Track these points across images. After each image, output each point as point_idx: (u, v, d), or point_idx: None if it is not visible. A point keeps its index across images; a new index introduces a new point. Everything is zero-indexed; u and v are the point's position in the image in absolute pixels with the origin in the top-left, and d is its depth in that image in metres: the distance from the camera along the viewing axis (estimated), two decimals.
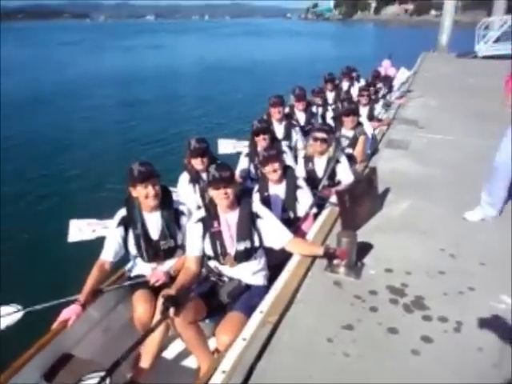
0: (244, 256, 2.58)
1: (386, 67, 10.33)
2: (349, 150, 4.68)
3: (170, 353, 2.76)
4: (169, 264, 2.85)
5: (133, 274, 2.92)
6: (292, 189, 3.36)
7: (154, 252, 2.80)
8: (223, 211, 2.58)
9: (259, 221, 2.59)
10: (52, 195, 7.35)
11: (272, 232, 2.62)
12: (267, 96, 5.20)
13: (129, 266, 2.97)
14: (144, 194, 2.65)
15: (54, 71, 21.06)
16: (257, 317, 2.28)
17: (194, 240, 2.62)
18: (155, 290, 2.72)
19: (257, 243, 2.60)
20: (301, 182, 3.40)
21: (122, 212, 2.77)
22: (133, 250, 2.80)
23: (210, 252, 2.61)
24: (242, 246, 2.56)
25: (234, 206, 2.58)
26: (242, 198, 2.60)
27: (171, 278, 2.74)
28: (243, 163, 4.35)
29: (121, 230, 2.74)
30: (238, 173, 4.37)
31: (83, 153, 9.65)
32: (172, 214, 2.81)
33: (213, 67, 22.83)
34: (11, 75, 19.33)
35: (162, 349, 2.65)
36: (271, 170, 3.31)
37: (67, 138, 10.77)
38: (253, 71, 21.88)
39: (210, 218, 2.59)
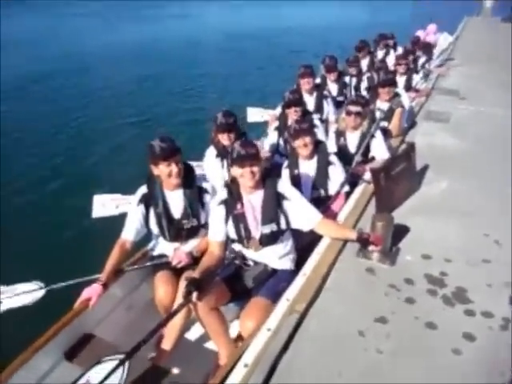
0: (270, 239, 2.43)
1: (428, 32, 9.65)
2: (384, 124, 4.39)
3: (191, 335, 2.68)
4: (192, 244, 2.73)
5: (155, 253, 2.83)
6: (323, 165, 3.15)
7: (176, 231, 2.69)
8: (247, 192, 2.41)
9: (286, 202, 2.40)
10: (75, 170, 7.26)
11: (300, 214, 2.44)
12: (296, 66, 4.93)
13: (151, 244, 2.88)
14: (167, 172, 2.50)
15: (68, 44, 19.90)
16: (283, 305, 2.13)
17: (217, 224, 2.47)
18: (177, 271, 2.63)
19: (283, 226, 2.44)
20: (333, 158, 3.19)
21: (143, 189, 2.65)
22: (154, 228, 2.69)
23: (233, 235, 2.47)
24: (267, 229, 2.40)
25: (259, 187, 2.40)
26: (266, 178, 2.42)
27: (194, 259, 2.64)
28: (272, 137, 4.15)
29: (142, 207, 2.63)
30: (266, 146, 4.20)
31: (105, 126, 9.42)
32: (195, 192, 2.67)
33: (239, 36, 21.81)
34: (21, 49, 18.67)
35: (184, 331, 2.57)
36: (302, 144, 3.11)
37: (88, 111, 10.52)
38: (280, 40, 20.94)
39: (233, 199, 2.42)
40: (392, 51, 8.02)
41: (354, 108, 3.58)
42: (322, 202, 3.15)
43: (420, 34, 9.29)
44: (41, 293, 2.60)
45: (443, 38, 9.54)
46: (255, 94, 10.83)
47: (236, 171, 2.33)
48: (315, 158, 3.18)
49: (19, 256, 4.45)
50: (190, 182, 2.66)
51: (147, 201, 2.63)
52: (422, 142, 4.24)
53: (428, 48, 8.08)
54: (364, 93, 5.55)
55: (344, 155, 3.72)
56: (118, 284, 2.69)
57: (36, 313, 2.63)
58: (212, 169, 3.44)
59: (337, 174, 3.15)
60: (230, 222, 2.44)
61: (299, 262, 2.60)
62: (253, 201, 2.42)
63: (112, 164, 7.35)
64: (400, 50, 7.94)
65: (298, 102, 3.91)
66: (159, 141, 2.48)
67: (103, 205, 3.35)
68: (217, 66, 15.48)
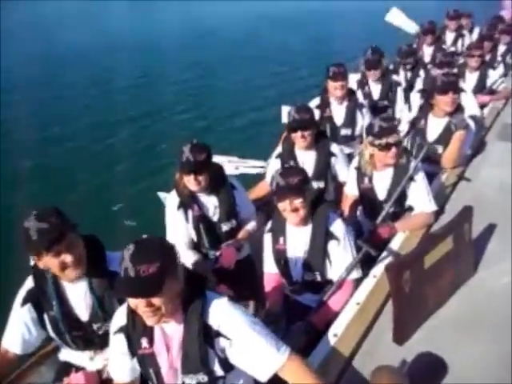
0: None
1: (508, 6, 7.79)
2: (438, 148, 3.17)
3: None
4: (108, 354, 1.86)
5: (61, 358, 1.99)
6: (321, 238, 2.07)
7: (85, 339, 1.82)
8: None
9: (222, 341, 1.41)
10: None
11: (249, 358, 1.42)
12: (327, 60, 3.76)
13: (57, 343, 2.04)
14: (57, 264, 1.62)
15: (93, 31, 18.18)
16: None
17: (119, 361, 1.56)
18: None
19: (220, 373, 1.46)
20: (337, 229, 2.06)
21: (28, 283, 1.79)
22: (53, 335, 1.84)
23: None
24: (192, 380, 1.45)
25: (176, 316, 1.43)
26: (190, 302, 1.42)
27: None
28: (273, 166, 3.13)
29: (29, 309, 1.78)
30: (268, 178, 3.21)
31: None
32: (106, 282, 1.76)
33: (268, 22, 18.75)
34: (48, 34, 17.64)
35: None
36: (290, 209, 2.03)
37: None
38: (308, 26, 17.72)
39: (136, 330, 1.47)
40: (468, 35, 6.46)
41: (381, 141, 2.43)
42: (316, 289, 2.14)
43: (505, 14, 7.46)
44: None
45: None
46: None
47: (130, 302, 1.36)
48: (310, 225, 2.11)
49: None
50: (98, 267, 1.75)
51: (36, 300, 1.77)
52: (490, 180, 3.01)
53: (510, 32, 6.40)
54: (416, 97, 4.20)
55: (370, 203, 2.66)
56: None
57: None
58: (174, 223, 2.50)
59: (341, 254, 2.05)
60: (136, 361, 1.51)
61: None
62: (169, 333, 1.46)
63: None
64: (476, 35, 6.38)
65: (308, 123, 2.83)
66: (35, 219, 1.57)
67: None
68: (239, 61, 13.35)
